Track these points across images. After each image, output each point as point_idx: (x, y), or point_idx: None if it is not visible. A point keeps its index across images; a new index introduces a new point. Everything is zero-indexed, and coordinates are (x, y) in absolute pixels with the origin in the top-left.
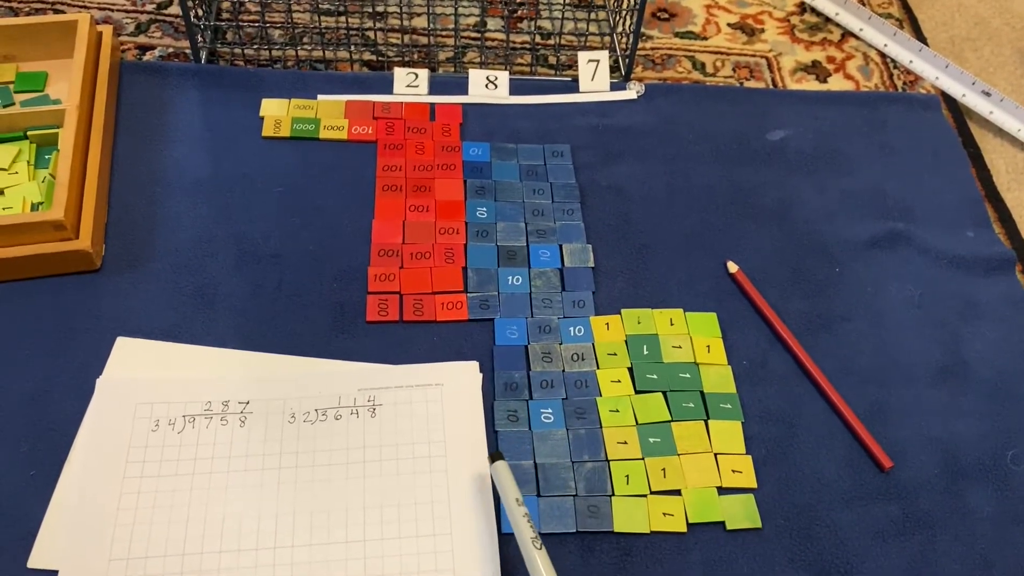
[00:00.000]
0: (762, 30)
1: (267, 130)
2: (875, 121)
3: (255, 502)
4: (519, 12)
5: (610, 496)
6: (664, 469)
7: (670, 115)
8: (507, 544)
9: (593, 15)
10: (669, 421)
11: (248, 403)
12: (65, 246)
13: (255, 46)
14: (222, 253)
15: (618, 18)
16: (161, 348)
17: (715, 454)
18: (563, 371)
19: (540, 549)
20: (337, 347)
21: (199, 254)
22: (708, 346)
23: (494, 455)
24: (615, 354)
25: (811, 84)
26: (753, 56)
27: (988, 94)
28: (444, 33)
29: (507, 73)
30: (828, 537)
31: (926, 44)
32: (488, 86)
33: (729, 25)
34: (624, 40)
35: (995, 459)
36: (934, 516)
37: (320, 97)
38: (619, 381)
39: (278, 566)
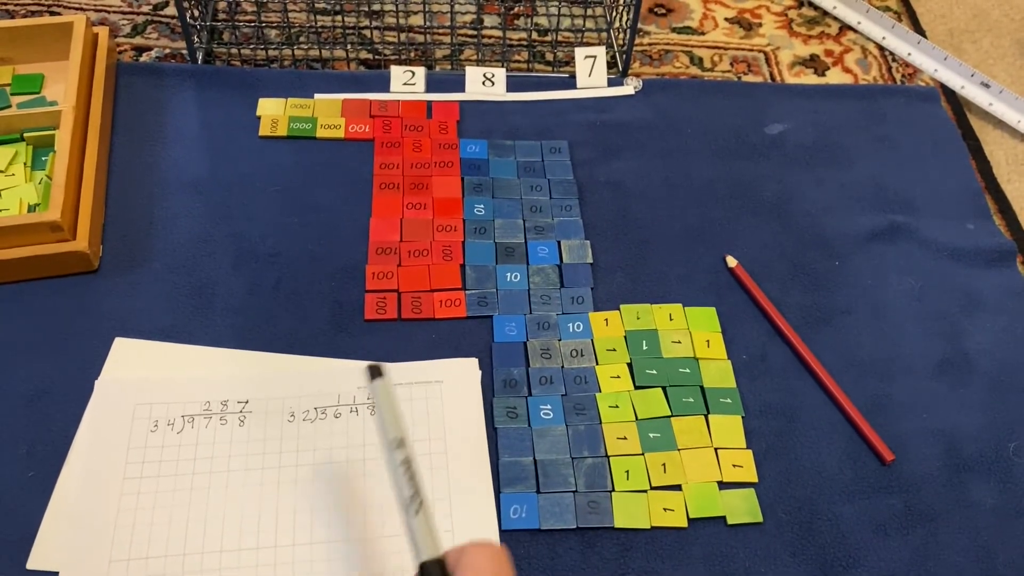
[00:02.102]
0: (760, 24)
1: (264, 129)
2: (874, 114)
3: (255, 501)
4: (516, 9)
5: (610, 492)
6: (664, 464)
7: (668, 110)
8: (508, 541)
9: (590, 11)
10: (669, 416)
11: (247, 402)
12: (62, 247)
13: (251, 46)
14: (220, 253)
15: (615, 14)
16: (159, 348)
17: (715, 449)
18: (562, 367)
19: (418, 514)
20: (336, 345)
21: (197, 254)
22: (708, 341)
23: (374, 368)
24: (614, 350)
25: (809, 78)
26: (751, 50)
27: (987, 86)
28: (441, 31)
29: (504, 70)
30: (830, 531)
31: (924, 36)
32: (485, 83)
33: (726, 20)
34: (621, 36)
35: (997, 451)
36: (936, 509)
37: (317, 96)
38: (618, 377)
39: (279, 565)
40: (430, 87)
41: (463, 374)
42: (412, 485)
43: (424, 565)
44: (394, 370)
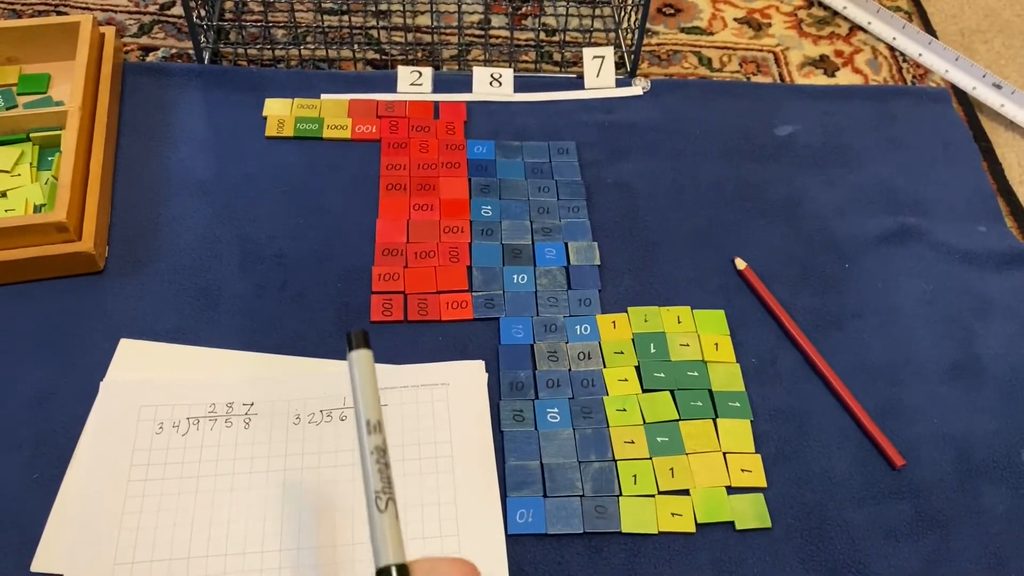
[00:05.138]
0: (769, 24)
1: (270, 130)
2: (884, 115)
3: (260, 504)
4: (523, 9)
5: (618, 496)
6: (672, 468)
7: (676, 111)
8: (515, 545)
9: (598, 11)
10: (677, 420)
11: (252, 404)
12: (68, 248)
13: (258, 46)
14: (226, 254)
15: (623, 14)
16: (165, 350)
17: (724, 453)
18: (569, 370)
19: (384, 512)
20: (342, 347)
21: (203, 255)
22: (716, 344)
23: (358, 336)
24: (622, 352)
25: (819, 78)
26: (760, 51)
27: (999, 87)
28: (448, 31)
29: (511, 70)
30: (840, 537)
31: (935, 37)
32: (492, 84)
33: (735, 20)
34: (629, 36)
35: (1009, 456)
36: (947, 515)
37: (323, 96)
38: (626, 380)
39: (283, 569)
40: (437, 87)
41: (469, 377)
42: (383, 478)
43: (383, 571)
44: (400, 372)
